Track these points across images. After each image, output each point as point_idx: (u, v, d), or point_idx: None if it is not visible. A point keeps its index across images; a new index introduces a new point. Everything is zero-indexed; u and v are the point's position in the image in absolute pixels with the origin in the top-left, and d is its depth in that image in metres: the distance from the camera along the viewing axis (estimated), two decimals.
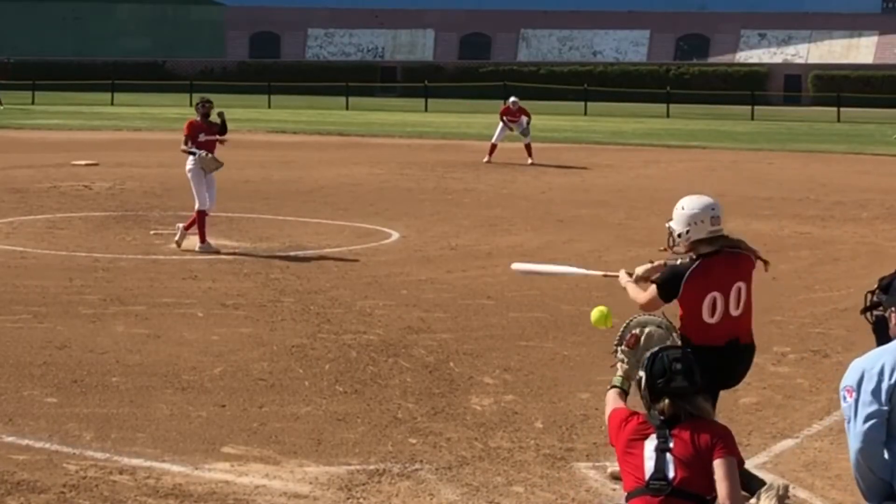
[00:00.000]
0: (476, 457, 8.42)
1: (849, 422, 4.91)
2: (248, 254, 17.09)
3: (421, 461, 8.30)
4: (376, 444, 8.65)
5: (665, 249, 7.68)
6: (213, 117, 17.62)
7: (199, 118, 17.59)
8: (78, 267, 15.62)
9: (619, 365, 6.66)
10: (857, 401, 4.88)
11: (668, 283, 7.38)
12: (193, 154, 17.23)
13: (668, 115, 63.12)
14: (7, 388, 9.91)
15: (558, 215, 22.01)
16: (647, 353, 5.77)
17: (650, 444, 5.49)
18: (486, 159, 32.87)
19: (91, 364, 10.70)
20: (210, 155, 17.22)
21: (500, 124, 33.52)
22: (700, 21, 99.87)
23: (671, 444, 5.44)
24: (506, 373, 10.72)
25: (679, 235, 7.42)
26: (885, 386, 4.83)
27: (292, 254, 17.11)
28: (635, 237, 19.03)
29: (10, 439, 8.61)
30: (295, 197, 24.16)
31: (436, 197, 24.71)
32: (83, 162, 30.22)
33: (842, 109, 63.40)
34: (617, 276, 7.84)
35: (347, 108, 65.50)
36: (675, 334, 7.07)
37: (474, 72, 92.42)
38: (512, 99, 34.16)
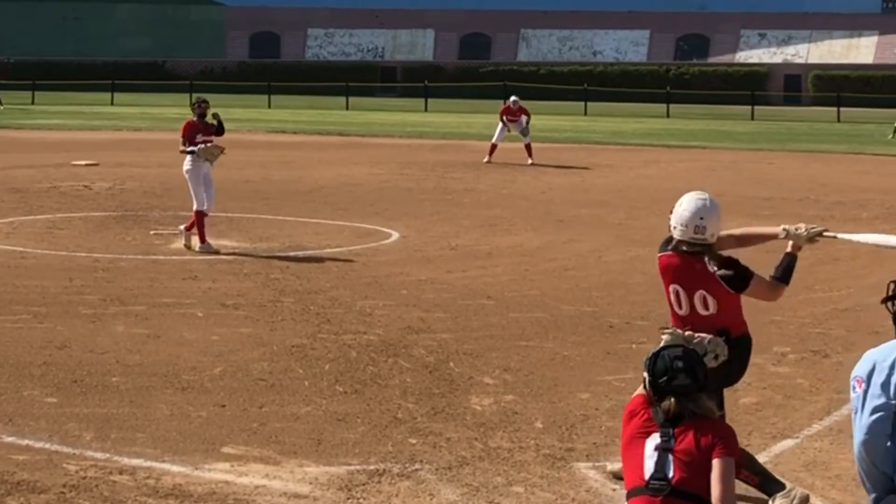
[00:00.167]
0: (476, 457, 8.41)
1: (856, 412, 4.82)
2: (248, 254, 17.09)
3: (421, 461, 8.30)
4: (376, 445, 8.64)
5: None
6: (209, 118, 17.61)
7: (195, 118, 17.60)
8: (78, 267, 15.61)
9: None
10: (865, 392, 4.78)
11: None
12: (192, 153, 17.23)
13: (668, 115, 63.14)
14: (7, 388, 9.90)
15: (558, 215, 22.01)
16: (648, 354, 5.77)
17: (651, 443, 5.48)
18: (486, 159, 32.87)
19: (91, 364, 10.69)
20: (210, 143, 17.24)
21: (500, 124, 33.53)
22: (700, 21, 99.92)
23: (673, 444, 5.44)
24: (506, 373, 10.71)
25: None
26: (894, 379, 4.74)
27: (292, 254, 17.10)
28: (635, 237, 19.02)
29: (10, 439, 8.60)
30: (295, 197, 24.15)
31: (436, 197, 24.70)
32: (83, 162, 30.22)
33: (842, 109, 63.43)
34: None
35: (347, 108, 65.53)
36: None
37: (474, 72, 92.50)
38: (513, 98, 34.17)
